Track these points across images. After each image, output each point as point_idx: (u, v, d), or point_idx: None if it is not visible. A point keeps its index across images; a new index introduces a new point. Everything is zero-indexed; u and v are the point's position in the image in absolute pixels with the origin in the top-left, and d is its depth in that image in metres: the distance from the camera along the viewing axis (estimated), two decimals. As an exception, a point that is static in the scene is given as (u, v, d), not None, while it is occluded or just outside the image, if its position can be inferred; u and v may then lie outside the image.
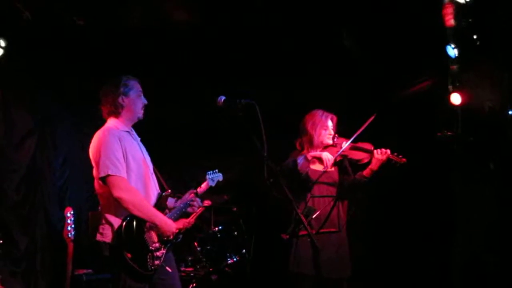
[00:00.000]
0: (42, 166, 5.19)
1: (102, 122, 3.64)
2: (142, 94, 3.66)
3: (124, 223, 3.38)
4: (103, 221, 3.49)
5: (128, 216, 3.40)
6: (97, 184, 3.55)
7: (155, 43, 5.39)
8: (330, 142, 4.42)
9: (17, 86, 4.97)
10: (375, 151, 4.31)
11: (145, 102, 3.68)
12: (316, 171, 4.33)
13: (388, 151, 4.29)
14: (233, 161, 6.63)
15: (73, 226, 4.55)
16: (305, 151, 4.43)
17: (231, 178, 6.49)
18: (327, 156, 4.25)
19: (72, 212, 4.59)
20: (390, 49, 5.38)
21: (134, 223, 3.40)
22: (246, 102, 3.42)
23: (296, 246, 4.14)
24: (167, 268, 3.51)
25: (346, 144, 4.31)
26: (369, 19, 5.26)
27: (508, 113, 4.99)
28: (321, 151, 4.39)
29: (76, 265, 4.66)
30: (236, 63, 5.72)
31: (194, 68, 5.76)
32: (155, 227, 3.46)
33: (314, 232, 3.77)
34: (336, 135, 4.46)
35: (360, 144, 4.41)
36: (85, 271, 4.97)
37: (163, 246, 3.51)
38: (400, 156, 4.27)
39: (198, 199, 3.77)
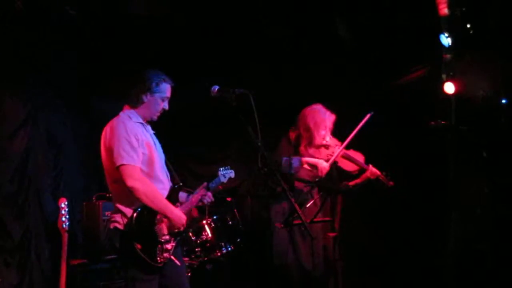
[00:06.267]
0: (36, 157, 5.17)
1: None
2: (167, 100, 3.63)
3: (135, 214, 3.37)
4: (115, 210, 3.48)
5: (139, 207, 3.40)
6: (108, 172, 3.51)
7: (147, 31, 5.37)
8: (325, 143, 4.44)
9: (9, 76, 4.94)
10: (370, 168, 4.33)
11: (166, 108, 3.65)
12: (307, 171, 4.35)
13: (378, 172, 4.37)
14: (228, 152, 6.65)
15: (67, 216, 4.55)
16: (301, 147, 4.44)
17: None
18: (323, 164, 4.25)
19: (66, 203, 4.59)
20: (383, 38, 5.38)
21: (145, 214, 3.40)
22: (240, 91, 3.42)
23: (275, 238, 4.13)
24: (176, 261, 3.52)
25: (338, 150, 4.34)
26: (363, 8, 5.25)
27: (501, 102, 5.01)
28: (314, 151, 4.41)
29: (70, 255, 4.66)
30: (229, 51, 5.72)
31: (188, 58, 5.75)
32: (166, 219, 3.46)
33: (308, 221, 3.79)
34: (330, 134, 4.49)
35: (351, 153, 4.41)
36: (79, 261, 4.97)
37: (172, 239, 3.51)
38: (389, 178, 4.33)
39: (209, 193, 3.72)
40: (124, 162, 3.36)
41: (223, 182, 3.85)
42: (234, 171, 3.83)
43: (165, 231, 3.46)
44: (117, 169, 3.38)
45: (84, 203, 5.29)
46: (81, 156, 5.74)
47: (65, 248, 4.39)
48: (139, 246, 3.32)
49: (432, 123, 5.11)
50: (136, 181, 3.35)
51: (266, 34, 5.57)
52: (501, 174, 5.00)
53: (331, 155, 4.33)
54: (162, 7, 5.08)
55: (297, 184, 4.36)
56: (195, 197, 3.68)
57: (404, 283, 5.50)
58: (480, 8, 4.92)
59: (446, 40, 4.95)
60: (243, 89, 3.43)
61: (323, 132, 4.41)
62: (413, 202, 5.52)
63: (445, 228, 5.33)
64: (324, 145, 4.43)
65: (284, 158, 4.34)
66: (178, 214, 3.48)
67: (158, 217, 3.45)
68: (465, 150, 5.21)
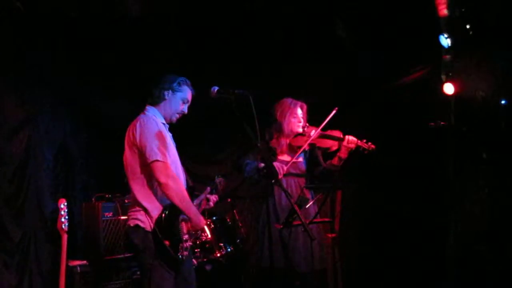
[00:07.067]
0: (36, 157, 5.17)
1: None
2: (186, 103, 3.71)
3: (165, 212, 3.43)
4: (138, 208, 3.50)
5: (168, 206, 3.45)
6: (133, 169, 3.52)
7: (145, 31, 5.37)
8: (300, 130, 4.42)
9: (8, 76, 4.94)
10: (346, 137, 4.28)
11: (185, 111, 3.72)
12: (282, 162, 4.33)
13: (355, 139, 4.27)
14: (227, 152, 6.64)
15: (66, 217, 4.54)
16: (273, 140, 4.44)
17: (226, 169, 6.57)
18: (278, 165, 4.22)
19: (65, 204, 4.58)
20: (382, 38, 5.38)
21: (172, 213, 3.46)
22: (239, 92, 3.44)
23: (267, 240, 4.11)
24: (193, 260, 3.59)
25: (314, 133, 4.31)
26: (362, 8, 5.25)
27: (501, 103, 5.01)
28: (288, 140, 4.40)
29: (70, 256, 4.66)
30: (227, 52, 5.72)
31: (188, 58, 5.75)
32: (187, 219, 3.51)
33: (307, 222, 3.79)
34: (307, 123, 4.46)
35: (329, 132, 4.40)
36: (79, 262, 4.97)
37: (190, 238, 3.58)
38: (369, 143, 4.26)
39: (214, 197, 3.84)
40: (158, 159, 3.41)
41: (218, 188, 4.03)
42: (233, 172, 3.92)
43: (185, 230, 3.53)
44: (149, 165, 3.42)
45: (83, 204, 5.29)
46: (80, 157, 5.73)
47: (64, 249, 4.38)
48: (167, 242, 3.39)
49: (432, 123, 5.12)
50: (169, 178, 3.41)
51: (265, 35, 5.57)
52: (501, 175, 5.00)
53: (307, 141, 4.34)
54: (160, 8, 5.08)
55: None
56: (200, 200, 3.78)
57: (404, 284, 5.50)
58: (480, 9, 4.92)
59: (445, 40, 4.95)
60: (242, 90, 3.44)
61: (293, 120, 4.40)
62: (412, 202, 5.52)
63: (445, 228, 5.33)
64: (301, 133, 4.42)
65: (245, 161, 4.36)
66: (199, 216, 3.55)
67: (180, 216, 3.51)
68: (465, 150, 5.21)
